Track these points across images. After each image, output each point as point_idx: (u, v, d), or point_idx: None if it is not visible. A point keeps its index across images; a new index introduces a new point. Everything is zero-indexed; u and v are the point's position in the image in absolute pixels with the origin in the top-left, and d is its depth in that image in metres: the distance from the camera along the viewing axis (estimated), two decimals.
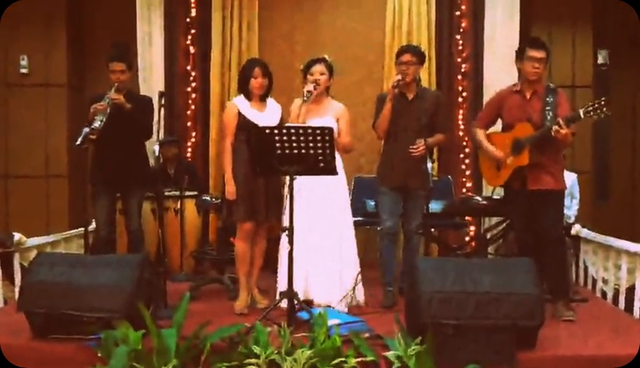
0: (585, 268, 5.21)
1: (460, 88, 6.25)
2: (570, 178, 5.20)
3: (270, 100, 4.35)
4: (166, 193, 5.35)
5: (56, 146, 6.30)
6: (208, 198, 5.27)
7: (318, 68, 4.22)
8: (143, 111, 4.63)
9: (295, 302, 3.65)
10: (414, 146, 4.26)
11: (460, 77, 6.25)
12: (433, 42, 6.25)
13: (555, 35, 6.17)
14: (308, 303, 3.86)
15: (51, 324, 3.35)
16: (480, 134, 4.30)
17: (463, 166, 6.21)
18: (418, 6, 6.22)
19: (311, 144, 3.62)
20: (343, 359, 3.05)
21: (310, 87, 4.14)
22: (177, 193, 5.50)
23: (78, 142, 4.30)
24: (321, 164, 3.68)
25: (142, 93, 5.69)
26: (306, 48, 6.16)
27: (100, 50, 5.92)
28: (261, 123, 4.06)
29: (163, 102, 4.25)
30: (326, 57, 4.29)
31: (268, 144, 3.64)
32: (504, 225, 4.89)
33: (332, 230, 4.17)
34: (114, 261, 3.58)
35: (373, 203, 5.09)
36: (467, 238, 5.92)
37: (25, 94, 6.34)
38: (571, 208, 5.48)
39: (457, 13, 6.25)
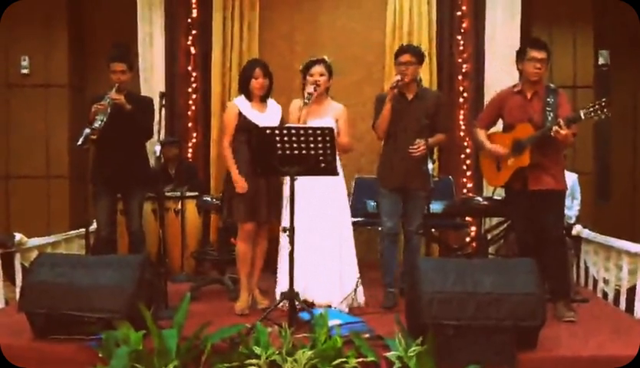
0: (586, 269, 5.21)
1: (461, 88, 6.25)
2: (571, 178, 5.20)
3: (271, 101, 4.35)
4: (167, 194, 5.36)
5: (57, 147, 6.32)
6: (209, 198, 5.28)
7: (318, 69, 4.21)
8: (144, 112, 4.63)
9: (296, 303, 3.65)
10: (414, 146, 4.24)
11: (460, 77, 6.26)
12: (434, 42, 6.25)
13: (555, 35, 6.18)
14: (309, 305, 3.86)
15: (52, 325, 3.35)
16: (481, 134, 4.30)
17: (464, 167, 6.21)
18: (419, 6, 6.22)
19: (312, 145, 3.62)
20: (344, 359, 3.05)
21: (310, 89, 4.14)
22: (178, 194, 5.50)
23: (79, 143, 4.31)
24: (322, 164, 3.68)
25: (143, 93, 5.71)
26: (306, 48, 6.16)
27: (101, 51, 5.94)
28: (261, 124, 4.06)
29: (163, 102, 4.26)
30: (325, 58, 4.29)
31: (269, 145, 3.63)
32: (505, 225, 4.89)
33: (332, 230, 4.17)
34: (115, 261, 3.58)
35: (374, 204, 5.09)
36: (468, 239, 5.92)
37: (26, 95, 6.35)
38: (572, 208, 5.48)
39: (458, 13, 6.25)
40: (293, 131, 3.64)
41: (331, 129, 3.67)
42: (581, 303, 4.38)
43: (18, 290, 4.33)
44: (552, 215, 4.03)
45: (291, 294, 3.64)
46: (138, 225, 4.75)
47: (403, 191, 4.36)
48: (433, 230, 5.41)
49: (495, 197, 4.82)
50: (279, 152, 3.63)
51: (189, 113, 6.36)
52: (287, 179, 3.89)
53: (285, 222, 3.97)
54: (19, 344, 3.36)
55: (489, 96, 5.41)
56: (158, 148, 4.22)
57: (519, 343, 3.13)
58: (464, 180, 6.18)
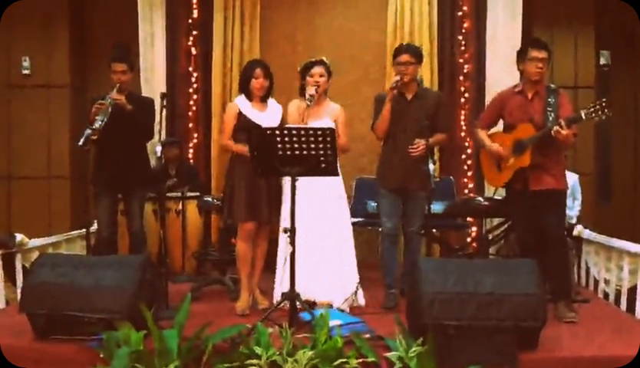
0: (587, 269, 5.21)
1: (462, 89, 6.24)
2: (571, 178, 5.20)
3: (271, 101, 4.35)
4: (168, 194, 5.36)
5: (58, 147, 6.32)
6: (209, 199, 5.28)
7: (318, 70, 4.22)
8: (145, 112, 4.64)
9: (297, 303, 3.65)
10: (414, 146, 4.22)
11: (462, 77, 6.25)
12: (435, 43, 6.24)
13: (556, 36, 6.17)
14: (311, 305, 3.86)
15: (53, 325, 3.36)
16: (482, 134, 4.29)
17: (465, 167, 6.20)
18: (420, 7, 6.21)
19: (312, 145, 3.61)
20: (344, 360, 3.05)
21: (312, 90, 4.14)
22: (179, 194, 5.50)
23: (80, 143, 4.31)
24: (323, 165, 3.68)
25: (144, 93, 5.71)
26: (307, 49, 6.17)
27: (102, 51, 5.95)
28: (262, 123, 4.07)
29: (164, 103, 4.27)
30: (324, 58, 4.29)
31: (269, 145, 3.63)
32: (506, 225, 4.88)
33: (332, 230, 4.18)
34: (116, 262, 3.57)
35: (374, 204, 5.09)
36: (469, 239, 5.92)
37: (27, 95, 6.35)
38: (573, 208, 5.48)
39: (459, 13, 6.25)
40: (294, 131, 3.64)
41: (332, 130, 3.67)
42: (582, 303, 4.37)
43: (18, 290, 4.33)
44: (553, 216, 4.03)
45: (292, 295, 3.64)
46: (139, 225, 4.76)
47: (402, 191, 4.35)
48: (434, 230, 5.41)
49: (496, 197, 4.81)
50: (280, 152, 3.63)
51: (190, 113, 6.36)
52: (286, 180, 3.90)
53: (285, 223, 3.97)
54: (20, 345, 3.36)
55: (490, 96, 5.40)
56: (159, 148, 4.23)
57: (520, 343, 3.13)
58: (465, 180, 6.18)
